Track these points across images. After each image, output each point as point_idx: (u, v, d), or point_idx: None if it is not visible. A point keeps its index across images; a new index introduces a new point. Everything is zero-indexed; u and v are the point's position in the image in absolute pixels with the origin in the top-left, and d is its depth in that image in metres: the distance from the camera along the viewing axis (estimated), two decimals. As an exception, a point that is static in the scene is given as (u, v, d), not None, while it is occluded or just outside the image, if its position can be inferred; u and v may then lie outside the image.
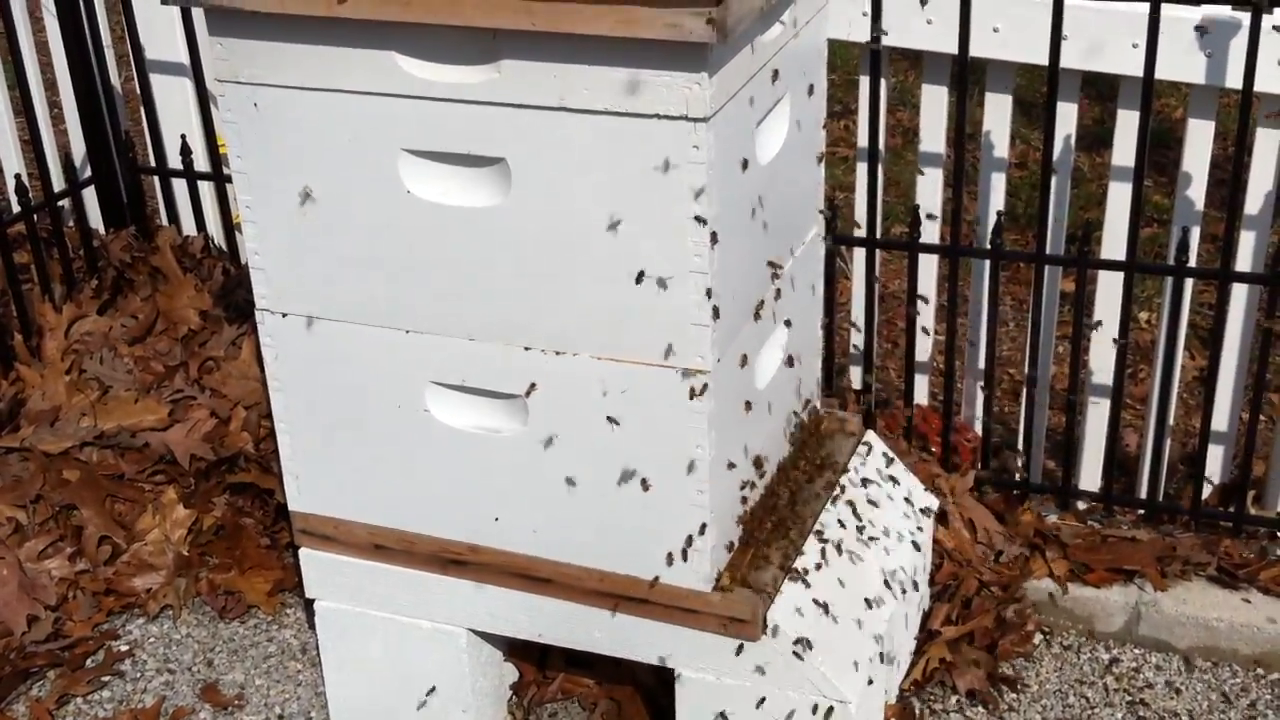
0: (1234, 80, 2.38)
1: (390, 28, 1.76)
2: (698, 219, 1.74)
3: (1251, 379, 2.52)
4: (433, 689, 2.19)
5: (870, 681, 2.05)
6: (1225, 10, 2.41)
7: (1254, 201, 2.53)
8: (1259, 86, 2.30)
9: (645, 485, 1.91)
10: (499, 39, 1.72)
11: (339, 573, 2.16)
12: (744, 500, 2.02)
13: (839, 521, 2.17)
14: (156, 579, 2.56)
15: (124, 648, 2.48)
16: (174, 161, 3.09)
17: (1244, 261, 2.55)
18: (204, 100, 2.97)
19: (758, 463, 2.05)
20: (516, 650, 2.29)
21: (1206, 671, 2.35)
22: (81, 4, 2.99)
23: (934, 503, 2.37)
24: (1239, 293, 2.59)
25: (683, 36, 1.62)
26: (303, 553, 2.18)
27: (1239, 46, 2.34)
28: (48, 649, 2.43)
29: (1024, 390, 2.67)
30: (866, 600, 2.10)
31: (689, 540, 1.92)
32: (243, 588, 2.55)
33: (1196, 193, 2.57)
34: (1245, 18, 2.29)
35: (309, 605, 2.27)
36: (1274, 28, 2.33)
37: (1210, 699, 2.30)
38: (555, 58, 1.71)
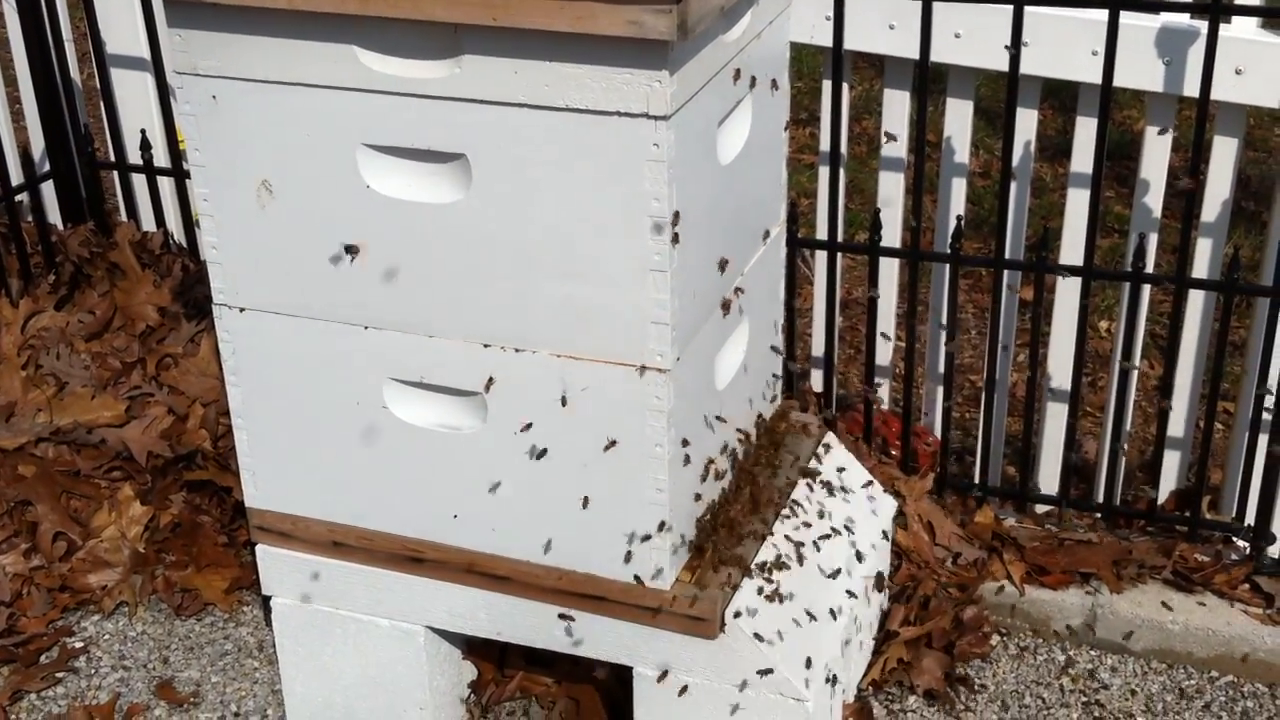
0: (1191, 89, 2.40)
1: (351, 21, 1.76)
2: (657, 217, 1.74)
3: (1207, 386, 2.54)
4: (390, 687, 2.18)
5: (828, 680, 2.05)
6: (1183, 19, 2.44)
7: (1211, 209, 2.55)
8: (1215, 95, 2.32)
9: (604, 483, 1.91)
10: (460, 34, 1.72)
11: (296, 570, 2.15)
12: (703, 499, 2.02)
13: (797, 522, 2.17)
14: (112, 576, 2.54)
15: (79, 644, 2.46)
16: (134, 157, 3.07)
17: (1201, 269, 2.58)
18: (164, 95, 2.95)
19: (717, 461, 2.05)
20: (475, 648, 2.28)
21: (1161, 673, 2.37)
22: (42, -1, 2.97)
23: (893, 505, 2.38)
24: (1195, 300, 2.62)
25: (644, 33, 1.62)
26: (260, 549, 2.16)
27: (1196, 54, 2.37)
28: (1, 645, 2.41)
29: (983, 395, 2.69)
30: (824, 600, 2.11)
31: (647, 538, 1.92)
32: (199, 585, 2.53)
33: (1154, 200, 2.59)
34: (1203, 26, 2.31)
35: (266, 603, 2.26)
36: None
37: (1165, 700, 2.32)
38: (516, 53, 1.71)
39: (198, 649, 2.45)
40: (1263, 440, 2.43)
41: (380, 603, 2.13)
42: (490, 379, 1.90)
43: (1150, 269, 2.52)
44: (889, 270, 2.81)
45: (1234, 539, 2.51)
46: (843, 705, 2.20)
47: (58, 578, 2.53)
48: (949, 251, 2.49)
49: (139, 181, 3.11)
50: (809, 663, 2.01)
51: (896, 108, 2.71)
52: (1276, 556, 2.47)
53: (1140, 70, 2.45)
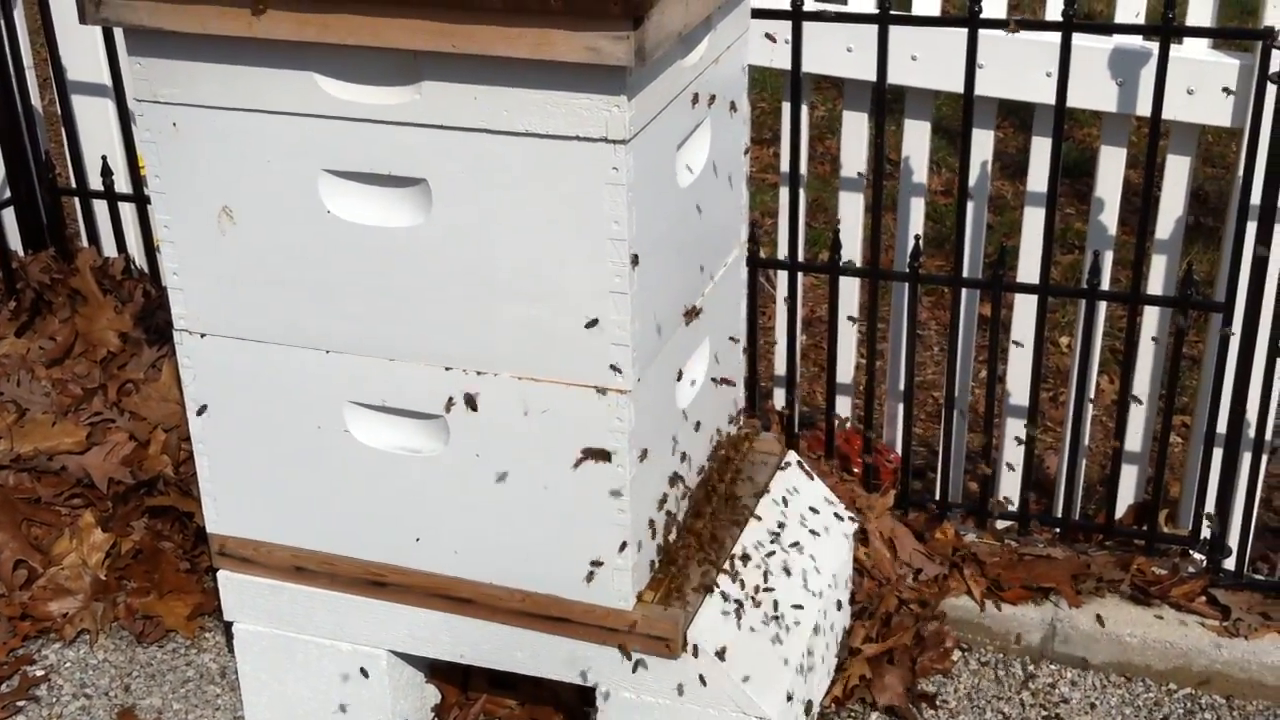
0: (1144, 109, 2.44)
1: (310, 48, 1.76)
2: (617, 240, 1.76)
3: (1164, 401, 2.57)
4: (352, 712, 2.18)
5: (790, 698, 2.06)
6: (1136, 40, 2.47)
7: (1165, 226, 2.59)
8: (1167, 114, 2.36)
9: (566, 504, 1.91)
10: (419, 60, 1.73)
11: (258, 595, 2.15)
12: (665, 519, 2.03)
13: (759, 540, 2.19)
14: (73, 603, 2.53)
15: (39, 673, 2.44)
16: (95, 183, 3.06)
17: (1155, 285, 2.61)
18: (125, 121, 2.95)
19: (679, 482, 2.06)
20: (439, 672, 2.28)
21: (1120, 686, 2.40)
22: (3, 24, 2.96)
23: (854, 522, 2.40)
24: (1151, 315, 2.65)
25: (601, 60, 1.64)
26: (221, 575, 2.16)
27: (1149, 75, 2.41)
28: (-40, 675, 2.40)
29: (943, 411, 2.71)
30: (787, 618, 2.12)
31: (608, 559, 1.93)
32: (161, 612, 2.52)
33: (1109, 218, 2.62)
34: (1155, 47, 2.35)
35: (228, 629, 2.26)
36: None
37: (1124, 714, 2.34)
38: (475, 79, 1.72)
39: (159, 676, 2.44)
40: (1218, 454, 2.46)
41: (342, 627, 2.13)
42: (450, 400, 1.91)
43: (1106, 285, 2.55)
44: (850, 290, 2.84)
45: (1191, 552, 2.54)
46: (806, 723, 2.22)
47: (18, 606, 2.51)
48: (908, 270, 2.52)
49: (100, 207, 3.10)
50: (771, 681, 2.02)
51: (856, 130, 2.73)
52: (1233, 569, 2.50)
53: (1094, 91, 2.49)
